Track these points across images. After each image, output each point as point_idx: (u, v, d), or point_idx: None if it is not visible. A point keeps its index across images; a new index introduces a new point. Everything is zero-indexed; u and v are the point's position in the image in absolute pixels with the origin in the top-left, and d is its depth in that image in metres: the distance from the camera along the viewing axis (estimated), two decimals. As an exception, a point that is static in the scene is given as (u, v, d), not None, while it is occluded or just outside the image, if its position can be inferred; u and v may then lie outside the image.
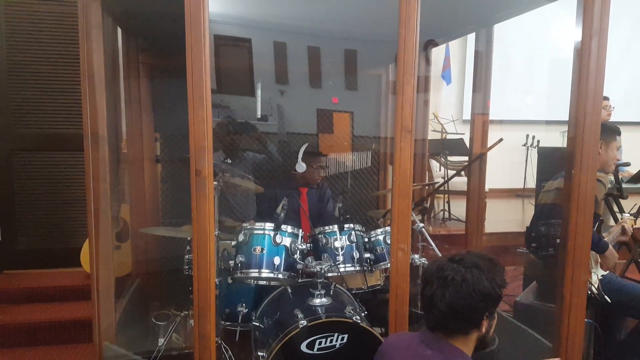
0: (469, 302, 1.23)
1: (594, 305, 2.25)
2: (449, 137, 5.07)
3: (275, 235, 2.13)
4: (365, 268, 2.29)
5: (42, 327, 2.65)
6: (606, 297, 2.18)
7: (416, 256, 2.34)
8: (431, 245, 2.42)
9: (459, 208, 4.21)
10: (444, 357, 1.25)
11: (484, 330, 1.29)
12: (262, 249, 2.12)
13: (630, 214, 2.55)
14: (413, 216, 2.51)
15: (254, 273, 2.11)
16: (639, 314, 2.26)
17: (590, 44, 1.73)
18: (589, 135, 1.77)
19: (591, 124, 1.76)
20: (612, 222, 3.11)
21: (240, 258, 2.12)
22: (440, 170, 5.20)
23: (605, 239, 2.23)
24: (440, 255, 2.44)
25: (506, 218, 3.97)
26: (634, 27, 6.40)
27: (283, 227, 2.16)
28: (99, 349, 1.99)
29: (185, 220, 2.33)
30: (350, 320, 1.89)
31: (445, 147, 4.47)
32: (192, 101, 1.52)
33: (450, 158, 4.69)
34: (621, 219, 2.48)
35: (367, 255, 2.33)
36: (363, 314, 2.14)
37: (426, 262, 2.34)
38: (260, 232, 2.15)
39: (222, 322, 2.27)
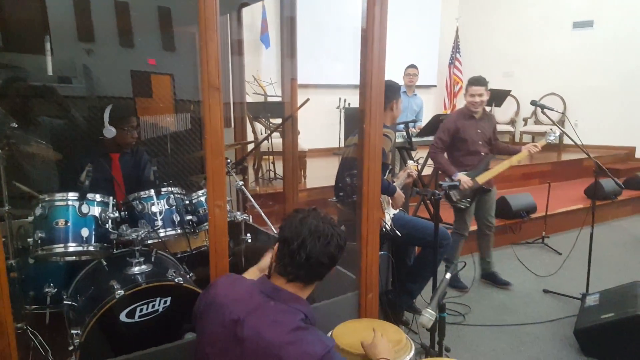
0: (335, 256, 1.38)
1: (388, 239, 2.68)
2: (269, 99, 5.23)
3: (80, 205, 1.95)
4: (187, 230, 2.28)
5: None
6: (397, 232, 2.61)
7: (238, 213, 2.42)
8: (251, 202, 2.53)
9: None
10: (286, 306, 1.31)
11: None
12: (67, 222, 1.93)
13: (414, 162, 3.08)
14: (233, 175, 2.59)
15: (58, 249, 1.91)
16: (422, 242, 2.76)
17: (374, 10, 1.95)
18: (375, 93, 2.03)
19: (376, 84, 2.02)
20: (404, 170, 3.69)
21: (39, 234, 1.89)
22: (265, 133, 5.36)
23: (393, 184, 2.65)
24: (262, 212, 2.58)
25: (325, 174, 4.36)
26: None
27: (90, 196, 1.98)
28: None
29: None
30: (172, 283, 1.89)
31: (267, 110, 4.62)
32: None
33: (273, 120, 4.87)
34: (406, 166, 2.97)
35: (189, 217, 2.33)
36: (188, 276, 2.15)
37: (247, 218, 2.44)
38: (62, 203, 1.94)
39: (28, 306, 2.05)
